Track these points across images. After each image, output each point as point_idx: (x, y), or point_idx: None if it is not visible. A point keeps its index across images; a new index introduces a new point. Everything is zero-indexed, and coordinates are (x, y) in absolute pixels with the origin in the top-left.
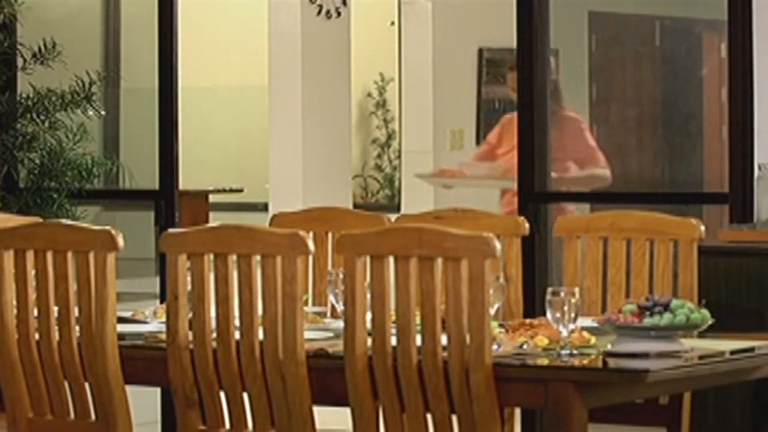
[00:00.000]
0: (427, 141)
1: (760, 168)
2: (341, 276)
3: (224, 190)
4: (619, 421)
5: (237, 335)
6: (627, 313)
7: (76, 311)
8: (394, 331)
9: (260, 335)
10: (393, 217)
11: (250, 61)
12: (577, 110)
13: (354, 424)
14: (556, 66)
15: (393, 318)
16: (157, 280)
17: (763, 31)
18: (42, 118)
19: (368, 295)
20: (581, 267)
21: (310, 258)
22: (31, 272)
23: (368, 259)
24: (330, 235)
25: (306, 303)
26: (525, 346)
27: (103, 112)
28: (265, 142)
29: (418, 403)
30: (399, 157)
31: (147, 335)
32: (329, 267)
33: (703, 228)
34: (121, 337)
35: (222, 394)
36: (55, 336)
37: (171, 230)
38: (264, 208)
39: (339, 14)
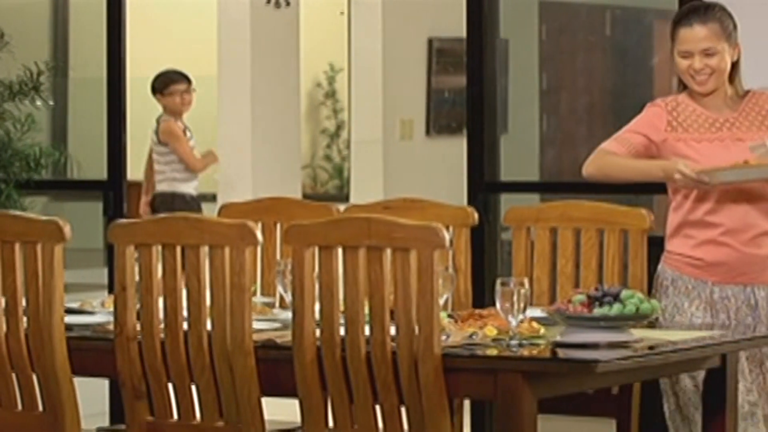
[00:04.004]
0: (376, 131)
1: None
2: (290, 266)
3: None
4: (569, 411)
5: (185, 326)
6: (577, 304)
7: (23, 302)
8: (342, 321)
9: (208, 326)
10: (342, 207)
11: (199, 50)
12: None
13: (302, 415)
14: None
15: (342, 309)
16: (105, 271)
17: None
18: None
19: (317, 286)
20: (531, 257)
21: (259, 248)
22: None
23: (317, 249)
24: (279, 225)
25: (254, 294)
26: (474, 337)
27: (51, 103)
28: (214, 132)
29: (367, 394)
30: (348, 147)
31: (95, 326)
32: (278, 257)
33: (653, 218)
34: (69, 328)
35: (170, 386)
36: (3, 327)
37: (119, 221)
38: (213, 198)
39: (288, 4)
